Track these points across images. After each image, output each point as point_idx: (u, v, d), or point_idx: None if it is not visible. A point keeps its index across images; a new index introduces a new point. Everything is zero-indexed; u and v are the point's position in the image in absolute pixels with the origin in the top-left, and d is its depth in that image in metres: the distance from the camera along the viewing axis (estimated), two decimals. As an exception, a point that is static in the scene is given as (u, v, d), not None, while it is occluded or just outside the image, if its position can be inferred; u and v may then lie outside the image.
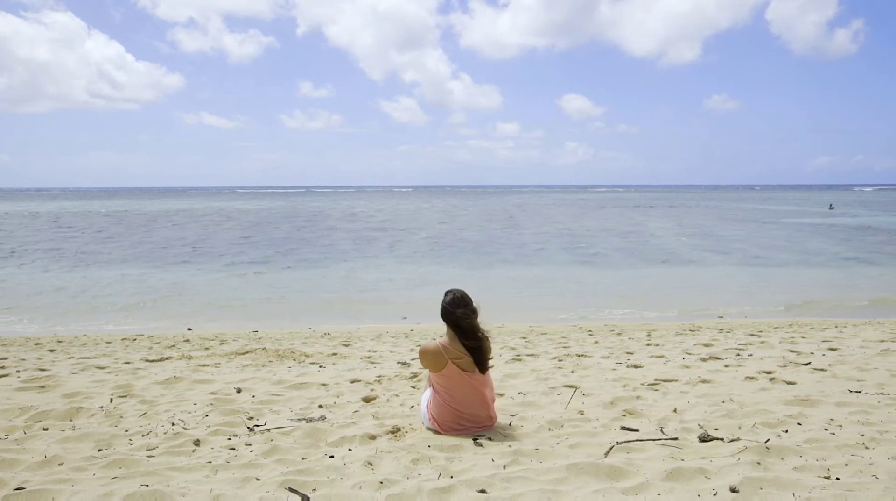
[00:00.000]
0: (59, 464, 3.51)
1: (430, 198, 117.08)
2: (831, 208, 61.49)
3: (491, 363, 4.20)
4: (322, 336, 10.75)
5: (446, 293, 4.18)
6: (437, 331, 10.57)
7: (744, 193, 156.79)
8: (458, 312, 4.05)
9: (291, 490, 2.96)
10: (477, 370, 4.09)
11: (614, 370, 6.51)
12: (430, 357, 4.10)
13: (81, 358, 8.17)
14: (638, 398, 5.08)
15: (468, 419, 4.08)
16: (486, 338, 4.13)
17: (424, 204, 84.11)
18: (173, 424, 4.40)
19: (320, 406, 4.97)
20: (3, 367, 7.06)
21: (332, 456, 3.65)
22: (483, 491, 3.04)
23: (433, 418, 4.15)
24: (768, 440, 3.71)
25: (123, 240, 30.92)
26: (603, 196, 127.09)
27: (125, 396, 5.35)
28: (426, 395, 4.31)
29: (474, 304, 4.14)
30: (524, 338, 10.04)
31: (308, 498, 2.86)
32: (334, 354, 8.49)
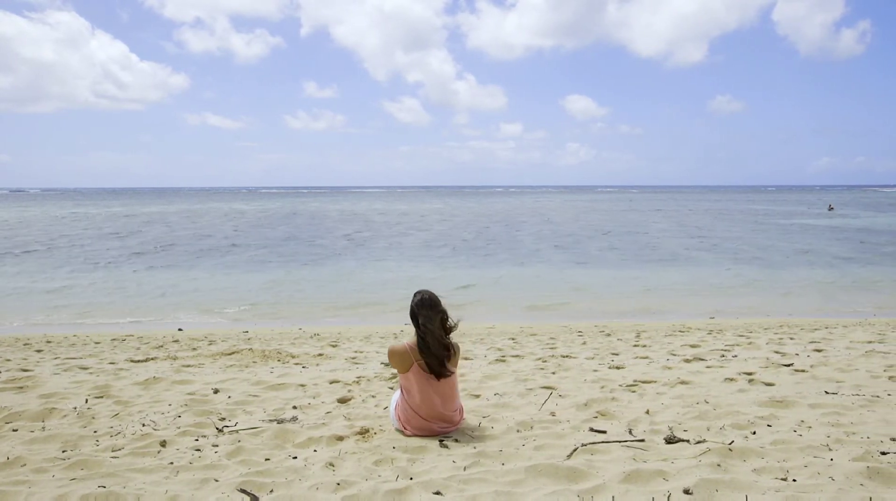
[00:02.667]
0: (22, 465, 3.51)
1: (430, 199, 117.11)
2: (830, 208, 61.38)
3: (458, 365, 4.19)
4: (311, 337, 10.75)
5: (415, 294, 4.16)
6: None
7: (746, 194, 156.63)
8: (422, 313, 4.03)
9: (242, 490, 2.96)
10: (443, 371, 4.08)
11: (595, 371, 6.50)
12: (397, 358, 4.10)
13: (67, 358, 8.17)
14: (613, 399, 5.06)
15: (434, 421, 4.07)
16: (450, 340, 4.10)
17: (425, 205, 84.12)
18: (144, 425, 4.39)
19: (294, 407, 4.97)
20: (-15, 367, 7.07)
21: (295, 458, 3.65)
22: (438, 493, 3.03)
23: (400, 419, 4.14)
24: (732, 441, 3.69)
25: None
26: (603, 197, 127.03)
27: (101, 396, 5.34)
28: (395, 396, 4.31)
29: (443, 305, 4.12)
30: (513, 339, 10.03)
31: (258, 499, 2.85)
32: (320, 354, 8.48)
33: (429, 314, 4.02)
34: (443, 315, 4.08)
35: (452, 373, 4.10)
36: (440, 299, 4.12)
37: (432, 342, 4.02)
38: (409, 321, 4.16)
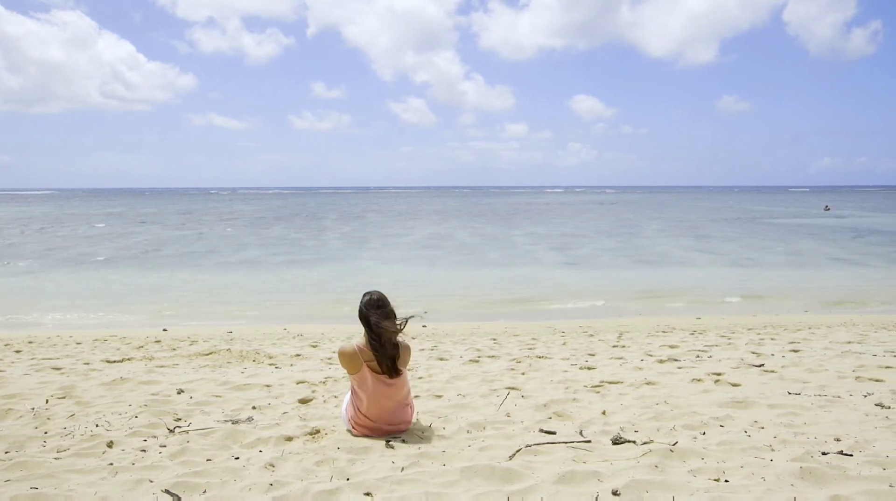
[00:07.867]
0: (-39, 467, 3.50)
1: (430, 199, 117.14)
2: (826, 209, 61.19)
3: (409, 365, 4.18)
4: (294, 337, 10.74)
5: (364, 295, 4.16)
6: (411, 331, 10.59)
7: (748, 194, 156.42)
8: (372, 313, 4.02)
9: (167, 491, 2.95)
10: (395, 369, 4.07)
11: (565, 372, 6.48)
12: (346, 359, 4.09)
13: (43, 359, 8.17)
14: (574, 400, 5.04)
15: (383, 421, 4.05)
16: (400, 341, 4.09)
17: (425, 205, 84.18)
18: (97, 425, 4.38)
19: (253, 408, 4.96)
20: (-43, 368, 7.06)
21: (237, 458, 3.63)
22: (369, 494, 3.02)
23: (350, 419, 4.13)
24: (675, 442, 3.67)
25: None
26: (604, 197, 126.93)
27: (64, 397, 5.33)
28: (347, 397, 4.30)
29: (391, 306, 4.12)
30: (494, 340, 10.00)
31: (180, 499, 2.84)
32: (298, 355, 8.48)
33: (379, 314, 4.01)
34: (392, 315, 4.07)
35: (402, 372, 4.10)
36: (388, 299, 4.12)
37: (385, 341, 4.03)
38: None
